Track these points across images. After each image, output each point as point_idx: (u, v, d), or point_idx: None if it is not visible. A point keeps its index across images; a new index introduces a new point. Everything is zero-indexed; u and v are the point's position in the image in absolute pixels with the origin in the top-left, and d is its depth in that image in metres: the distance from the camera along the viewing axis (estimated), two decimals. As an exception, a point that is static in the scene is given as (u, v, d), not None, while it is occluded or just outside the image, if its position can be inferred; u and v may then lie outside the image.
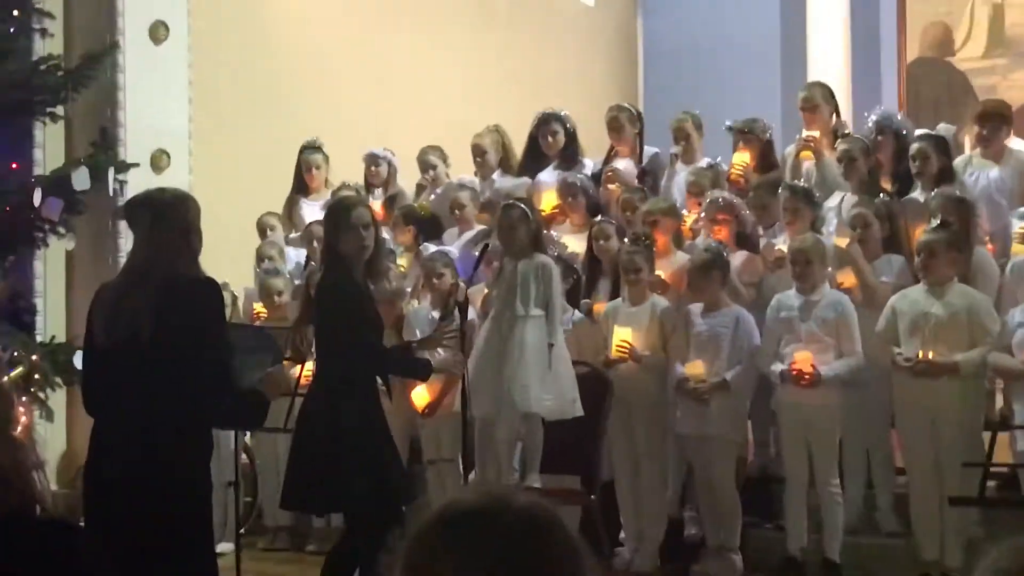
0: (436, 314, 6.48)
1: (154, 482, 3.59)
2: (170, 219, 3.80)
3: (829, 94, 6.94)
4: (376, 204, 7.72)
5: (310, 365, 6.37)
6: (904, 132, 6.54)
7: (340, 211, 4.74)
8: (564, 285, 6.24)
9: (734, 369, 5.83)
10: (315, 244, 7.14)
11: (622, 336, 6.02)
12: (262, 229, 7.68)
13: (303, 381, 6.09)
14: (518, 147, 7.62)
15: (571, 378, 5.82)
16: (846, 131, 6.73)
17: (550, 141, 7.40)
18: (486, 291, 6.17)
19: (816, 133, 6.71)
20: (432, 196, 7.63)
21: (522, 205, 5.91)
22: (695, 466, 5.98)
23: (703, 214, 6.46)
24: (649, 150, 7.36)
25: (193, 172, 8.12)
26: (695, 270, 5.94)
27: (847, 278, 5.87)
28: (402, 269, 7.05)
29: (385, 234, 7.34)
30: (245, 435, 6.74)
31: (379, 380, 4.93)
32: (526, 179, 7.39)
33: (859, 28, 10.09)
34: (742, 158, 6.86)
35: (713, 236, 6.29)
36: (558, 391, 5.74)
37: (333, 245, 4.71)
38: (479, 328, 6.08)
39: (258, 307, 7.16)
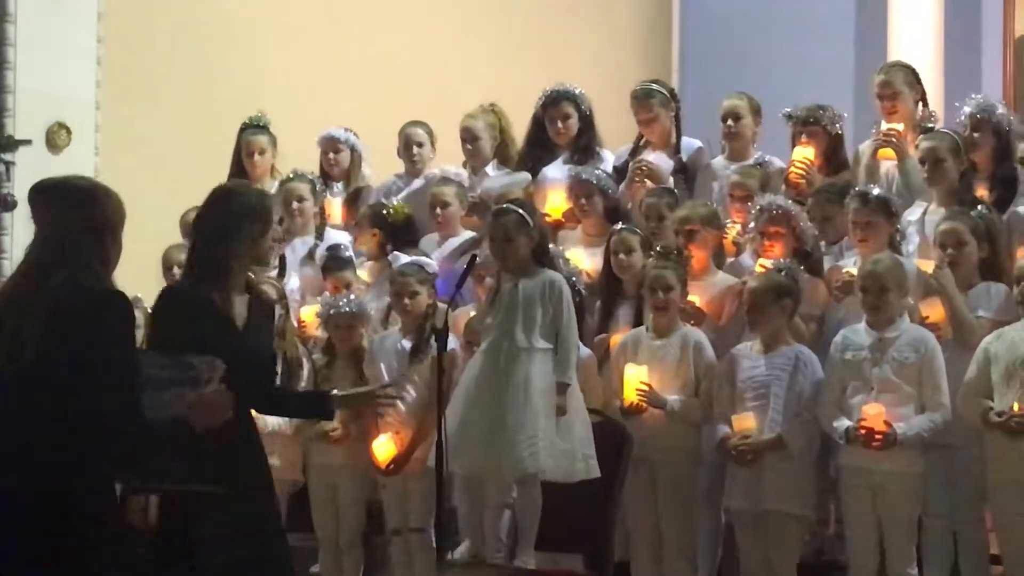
0: (407, 344, 6.55)
1: (39, 543, 3.69)
2: (83, 214, 3.87)
3: (914, 78, 7.01)
4: (336, 200, 7.81)
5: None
6: (1007, 127, 6.60)
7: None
8: None
9: (790, 423, 5.88)
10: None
11: (637, 377, 6.08)
12: (186, 230, 7.73)
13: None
14: (519, 132, 7.67)
15: (587, 429, 5.86)
16: (932, 124, 6.80)
17: (560, 127, 7.45)
18: (472, 315, 6.23)
19: (899, 126, 6.79)
20: (408, 190, 7.63)
21: (519, 209, 5.93)
22: (744, 549, 6.02)
23: (752, 225, 6.53)
24: (689, 142, 7.40)
25: (100, 152, 8.19)
26: (758, 296, 5.97)
27: (934, 311, 5.94)
28: (364, 284, 7.11)
29: (346, 237, 7.44)
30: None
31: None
32: (526, 174, 7.44)
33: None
34: (804, 154, 6.92)
35: (764, 254, 6.36)
36: (569, 446, 5.77)
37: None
38: (463, 362, 6.15)
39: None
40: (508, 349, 5.79)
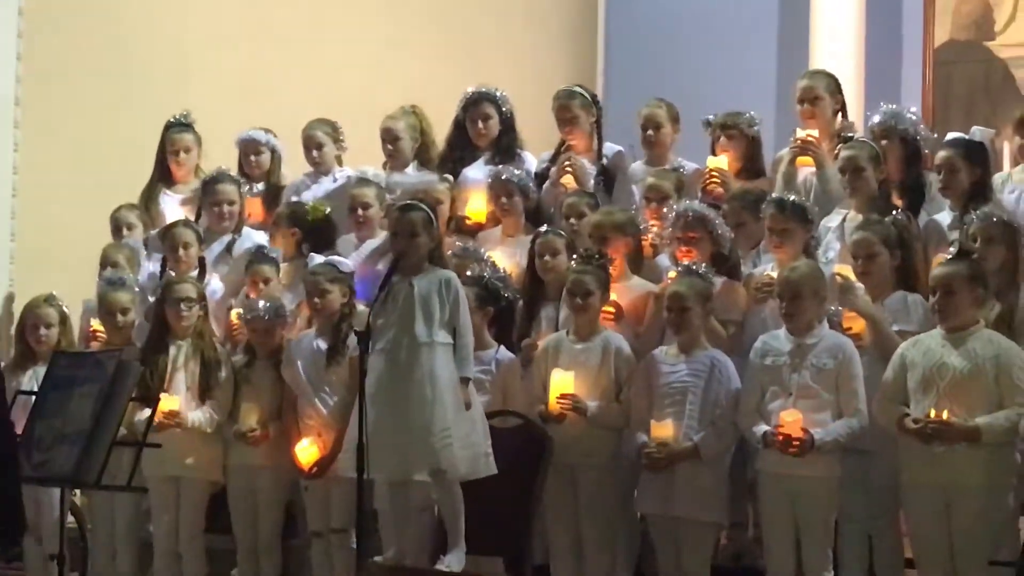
0: (323, 344, 6.48)
1: None
2: None
3: (835, 86, 7.03)
4: (256, 201, 7.72)
5: (168, 405, 6.39)
6: (915, 135, 6.64)
7: None
8: (486, 313, 6.26)
9: (705, 431, 5.88)
10: (180, 251, 7.13)
11: (561, 387, 6.05)
12: (117, 227, 7.61)
13: (159, 422, 6.09)
14: (441, 134, 7.63)
15: (484, 426, 5.85)
16: (851, 133, 6.82)
17: (481, 127, 7.44)
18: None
19: (815, 132, 6.81)
20: (311, 188, 7.54)
21: (424, 207, 5.94)
22: (659, 551, 6.02)
23: (668, 230, 6.53)
24: (610, 146, 7.42)
25: (20, 149, 8.06)
26: (681, 300, 5.95)
27: (856, 323, 5.94)
28: (281, 284, 7.02)
29: (263, 237, 7.36)
30: (74, 494, 6.68)
31: None
32: (436, 175, 7.34)
33: (876, 2, 10.22)
34: (718, 163, 6.94)
35: (681, 259, 6.33)
36: (471, 441, 5.76)
37: None
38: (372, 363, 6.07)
39: (96, 324, 7.10)
40: (408, 345, 5.76)
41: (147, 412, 5.82)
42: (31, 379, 6.54)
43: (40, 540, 6.63)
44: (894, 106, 6.78)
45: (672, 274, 6.24)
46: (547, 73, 9.46)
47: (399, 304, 5.81)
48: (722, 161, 6.96)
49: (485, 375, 6.24)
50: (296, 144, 7.77)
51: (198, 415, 6.55)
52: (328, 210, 7.24)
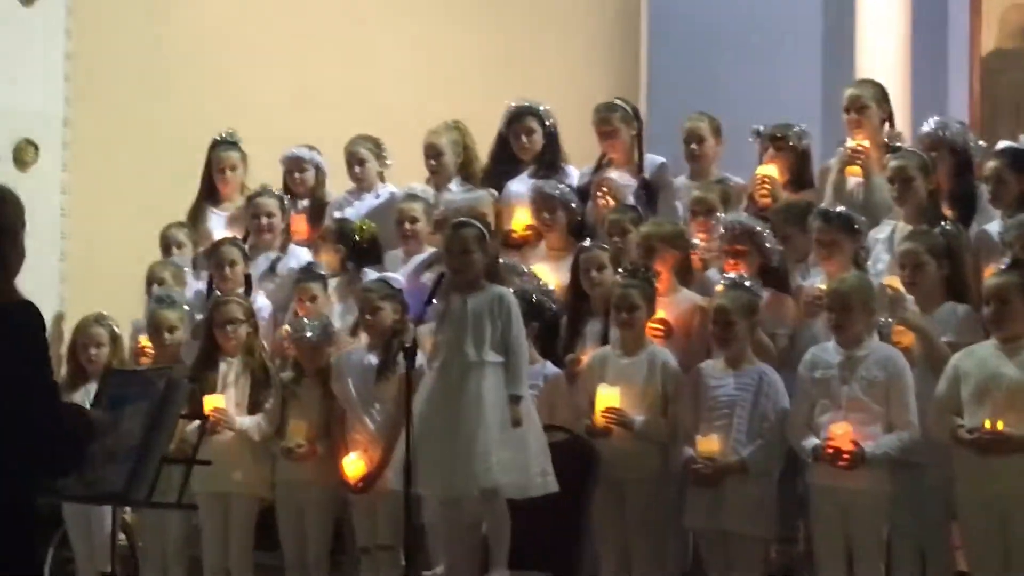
0: (373, 360, 6.49)
1: None
2: None
3: (882, 94, 7.01)
4: (301, 217, 7.75)
5: (215, 403, 6.39)
6: (965, 145, 6.60)
7: None
8: (531, 329, 6.25)
9: (754, 445, 5.86)
10: (226, 269, 7.16)
11: (607, 401, 6.04)
12: (167, 245, 7.66)
13: (210, 417, 6.12)
14: (484, 150, 7.64)
15: (542, 444, 5.83)
16: (899, 143, 6.76)
17: (524, 142, 7.44)
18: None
19: (865, 143, 6.78)
20: (353, 204, 7.58)
21: (478, 224, 5.95)
22: (708, 566, 6.00)
23: (716, 243, 6.50)
24: (652, 159, 7.40)
25: (68, 168, 8.11)
26: (727, 314, 5.93)
27: (905, 337, 5.90)
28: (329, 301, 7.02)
29: (308, 254, 7.39)
30: (124, 512, 6.71)
31: None
32: (489, 191, 7.37)
33: (922, 11, 10.18)
34: (767, 171, 6.91)
35: (728, 272, 6.29)
36: (523, 460, 5.74)
37: None
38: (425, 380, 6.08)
39: (144, 341, 7.14)
40: (459, 364, 5.78)
41: (197, 429, 5.83)
42: (83, 398, 6.58)
43: (91, 558, 6.66)
44: (943, 116, 6.77)
45: (719, 288, 6.22)
46: (590, 86, 9.45)
47: (454, 322, 5.82)
48: (772, 169, 6.93)
49: (533, 390, 6.20)
50: (340, 161, 7.80)
51: (247, 420, 6.59)
52: (375, 229, 7.25)
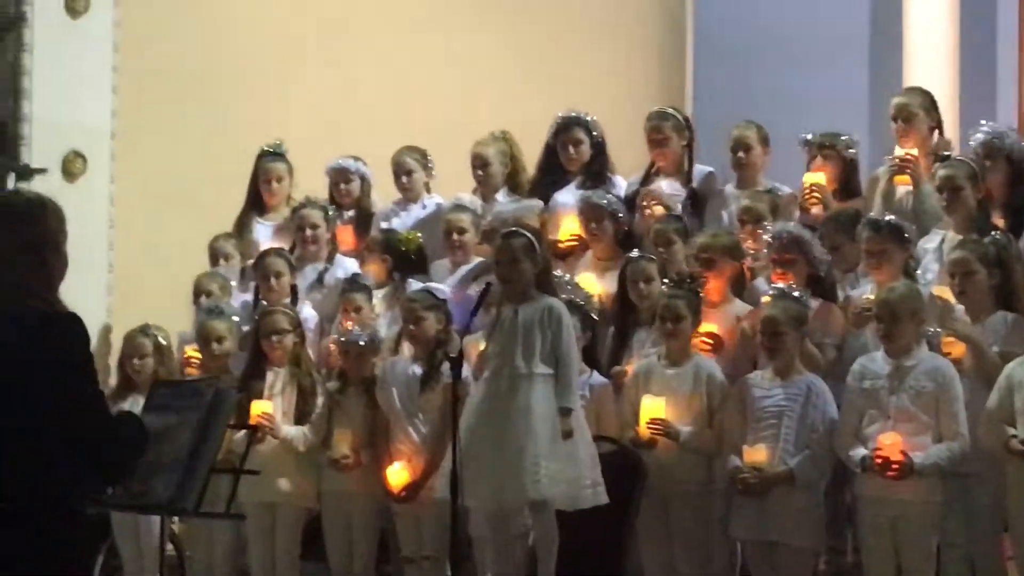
0: (418, 370, 6.49)
1: None
2: (18, 229, 3.61)
3: (931, 103, 6.96)
4: (347, 228, 7.77)
5: (262, 408, 6.41)
6: (1020, 155, 6.52)
7: None
8: (583, 338, 6.23)
9: (801, 455, 5.83)
10: (271, 279, 7.20)
11: (652, 412, 6.02)
12: (215, 256, 7.69)
13: (257, 422, 6.14)
14: (531, 160, 7.65)
15: (592, 455, 5.82)
16: (948, 152, 6.73)
17: (571, 153, 7.44)
18: (484, 345, 6.19)
19: (914, 151, 6.73)
20: (400, 215, 7.60)
21: (528, 233, 5.94)
22: (755, 576, 5.98)
23: (764, 252, 6.46)
24: (700, 168, 7.39)
25: (115, 181, 8.17)
26: (776, 325, 5.91)
27: (955, 348, 5.87)
28: (374, 313, 7.04)
29: (355, 265, 7.41)
30: (172, 521, 6.74)
31: None
32: (537, 201, 7.40)
33: (970, 19, 10.12)
34: (815, 179, 6.88)
35: (776, 282, 6.26)
36: (574, 472, 5.73)
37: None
38: (474, 391, 6.08)
39: (190, 351, 7.18)
40: (509, 376, 5.77)
41: (244, 438, 5.85)
42: (131, 408, 6.60)
43: (139, 567, 6.69)
44: (995, 125, 6.72)
45: (766, 299, 6.18)
46: (635, 95, 9.44)
47: (504, 332, 5.81)
48: (820, 177, 6.90)
49: (580, 400, 6.20)
50: (385, 171, 7.82)
51: (292, 430, 6.61)
52: (421, 239, 7.28)
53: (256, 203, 7.88)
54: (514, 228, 6.03)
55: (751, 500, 5.85)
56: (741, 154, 7.18)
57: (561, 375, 5.78)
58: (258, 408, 6.50)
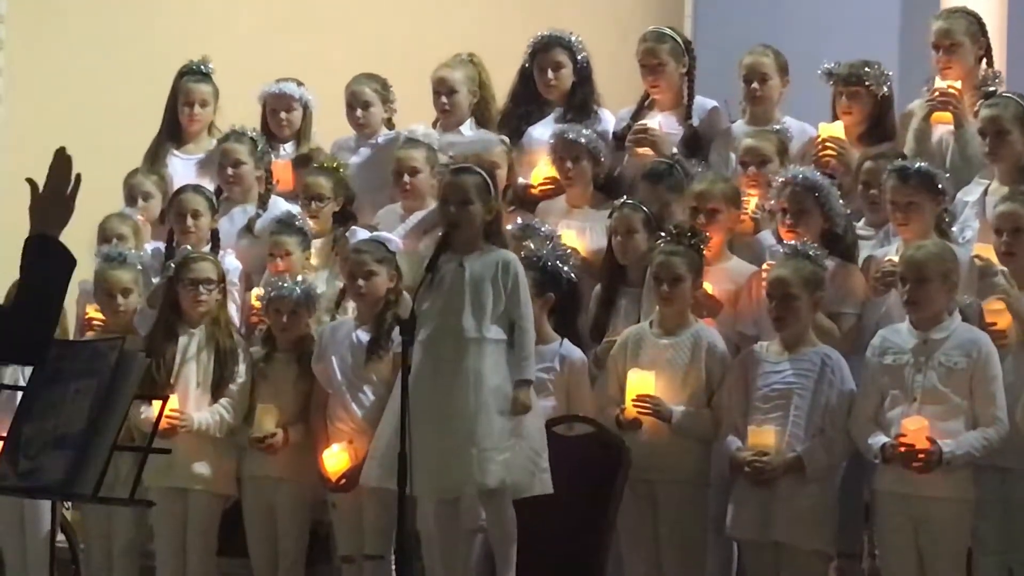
0: (364, 335, 6.52)
1: None
2: None
3: (978, 27, 6.94)
4: (286, 165, 7.77)
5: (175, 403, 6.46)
6: None
7: None
8: (545, 301, 6.27)
9: (811, 441, 5.88)
10: (187, 221, 7.22)
11: (640, 387, 6.07)
12: (132, 196, 7.66)
13: (164, 425, 6.16)
14: (503, 90, 7.64)
15: (541, 438, 5.86)
16: (995, 86, 6.72)
17: (551, 77, 7.43)
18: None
19: (957, 83, 6.74)
20: (359, 158, 7.62)
21: (482, 172, 5.94)
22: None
23: (771, 201, 6.48)
24: (703, 103, 7.39)
25: (3, 101, 8.15)
26: (787, 288, 5.93)
27: (1001, 317, 5.90)
28: (311, 264, 7.08)
29: (295, 208, 7.43)
30: (65, 508, 6.79)
31: None
32: (498, 137, 7.30)
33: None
34: (832, 131, 6.83)
35: (786, 236, 6.28)
36: (524, 456, 5.78)
37: None
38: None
39: (92, 311, 7.19)
40: (453, 339, 5.79)
41: (152, 411, 5.89)
42: (14, 374, 6.59)
43: (24, 561, 6.76)
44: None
45: (772, 258, 6.20)
46: (625, 19, 9.45)
47: (446, 288, 5.82)
48: (837, 128, 6.88)
49: (547, 373, 6.25)
50: (328, 103, 7.80)
51: (205, 417, 6.61)
52: (343, 168, 7.26)
53: (173, 132, 7.86)
54: (464, 164, 6.04)
55: (753, 494, 5.90)
56: (755, 85, 7.14)
57: (519, 343, 5.81)
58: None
